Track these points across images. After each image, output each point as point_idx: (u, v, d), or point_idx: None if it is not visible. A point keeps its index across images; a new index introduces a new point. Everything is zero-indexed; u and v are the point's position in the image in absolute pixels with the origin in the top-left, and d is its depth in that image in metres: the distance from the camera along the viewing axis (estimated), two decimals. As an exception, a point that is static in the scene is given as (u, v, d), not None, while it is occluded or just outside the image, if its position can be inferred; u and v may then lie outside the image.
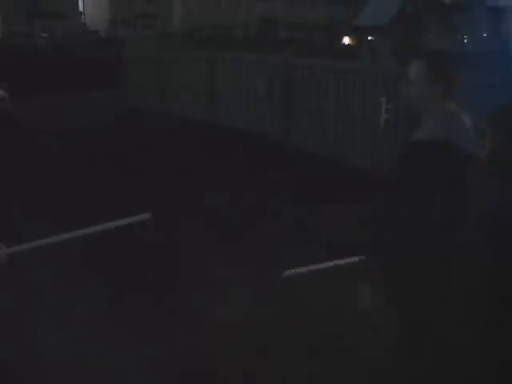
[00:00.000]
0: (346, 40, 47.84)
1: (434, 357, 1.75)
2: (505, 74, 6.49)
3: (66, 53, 18.01)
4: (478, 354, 1.74)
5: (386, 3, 46.72)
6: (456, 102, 2.34)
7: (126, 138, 10.12)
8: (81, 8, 43.01)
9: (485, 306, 1.83)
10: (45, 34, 33.38)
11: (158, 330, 3.74)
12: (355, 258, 2.57)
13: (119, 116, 12.75)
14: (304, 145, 8.75)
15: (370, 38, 45.19)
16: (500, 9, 40.98)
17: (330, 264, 2.77)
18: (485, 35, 40.89)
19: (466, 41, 45.12)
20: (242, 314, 3.34)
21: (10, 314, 3.91)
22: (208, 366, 3.06)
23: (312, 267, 2.78)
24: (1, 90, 12.12)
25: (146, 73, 13.31)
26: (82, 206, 6.18)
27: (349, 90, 8.03)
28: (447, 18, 48.66)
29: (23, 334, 3.70)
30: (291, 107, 9.09)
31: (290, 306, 3.19)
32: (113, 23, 42.51)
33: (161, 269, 4.71)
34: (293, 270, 2.80)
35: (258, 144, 9.20)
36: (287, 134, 9.16)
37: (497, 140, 2.12)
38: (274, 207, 6.22)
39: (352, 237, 4.11)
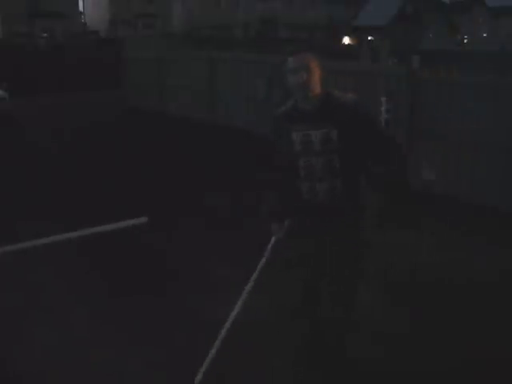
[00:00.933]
0: (346, 40, 47.88)
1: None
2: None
3: (66, 53, 17.98)
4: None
5: (386, 3, 46.74)
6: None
7: (125, 137, 10.13)
8: (81, 8, 43.02)
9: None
10: (45, 34, 33.41)
11: (154, 329, 3.74)
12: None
13: (119, 116, 12.76)
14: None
15: (369, 38, 45.25)
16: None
17: (262, 262, 2.96)
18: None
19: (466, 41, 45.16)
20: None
21: (3, 313, 3.92)
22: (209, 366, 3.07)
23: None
24: (1, 90, 12.13)
25: (146, 73, 13.31)
26: (80, 206, 6.18)
27: (348, 89, 8.02)
28: (447, 17, 48.68)
29: (18, 335, 3.70)
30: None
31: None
32: (113, 23, 42.53)
33: (155, 270, 4.72)
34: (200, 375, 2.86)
35: (258, 144, 9.19)
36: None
37: None
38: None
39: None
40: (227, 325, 2.86)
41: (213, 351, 2.92)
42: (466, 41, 53.11)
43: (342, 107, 2.75)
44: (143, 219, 2.94)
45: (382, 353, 3.46)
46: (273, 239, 3.06)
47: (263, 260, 3.00)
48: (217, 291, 4.27)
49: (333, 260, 2.86)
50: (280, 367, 3.29)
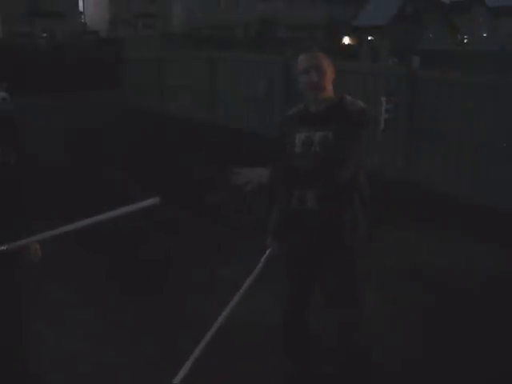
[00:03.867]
0: (346, 40, 47.87)
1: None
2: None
3: (66, 53, 17.99)
4: None
5: (386, 3, 46.72)
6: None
7: (125, 138, 10.12)
8: (81, 8, 43.05)
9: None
10: (45, 34, 33.37)
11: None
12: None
13: (119, 116, 12.75)
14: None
15: (369, 38, 45.23)
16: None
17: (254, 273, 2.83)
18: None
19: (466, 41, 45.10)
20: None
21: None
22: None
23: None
24: (1, 91, 12.11)
25: (146, 73, 13.32)
26: (80, 206, 6.18)
27: (349, 90, 8.03)
28: (447, 17, 48.63)
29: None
30: (291, 107, 9.09)
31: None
32: (113, 23, 42.52)
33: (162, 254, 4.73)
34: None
35: (258, 144, 9.20)
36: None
37: None
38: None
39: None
40: (213, 329, 2.70)
41: (196, 353, 2.64)
42: (465, 41, 53.07)
43: (345, 112, 2.58)
44: (155, 200, 2.87)
45: (382, 354, 3.46)
46: (268, 251, 2.92)
47: (257, 269, 2.83)
48: (217, 291, 4.27)
49: (322, 267, 2.73)
50: (278, 368, 3.29)
